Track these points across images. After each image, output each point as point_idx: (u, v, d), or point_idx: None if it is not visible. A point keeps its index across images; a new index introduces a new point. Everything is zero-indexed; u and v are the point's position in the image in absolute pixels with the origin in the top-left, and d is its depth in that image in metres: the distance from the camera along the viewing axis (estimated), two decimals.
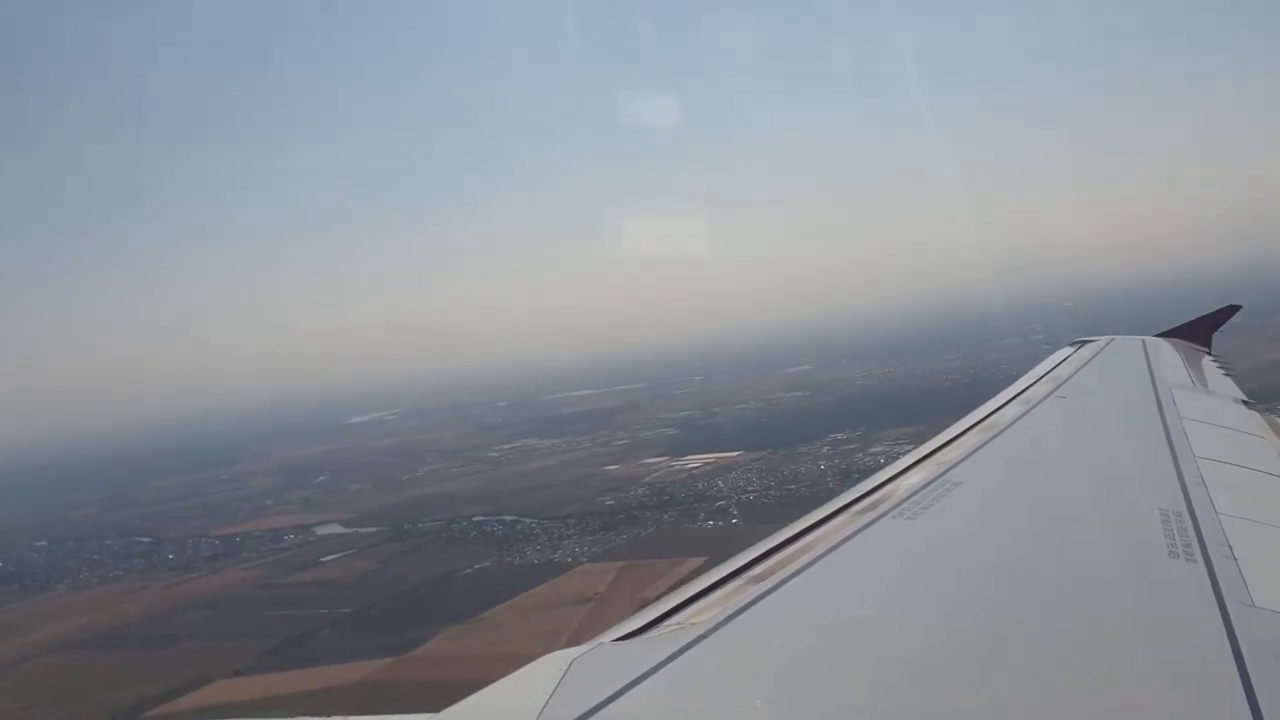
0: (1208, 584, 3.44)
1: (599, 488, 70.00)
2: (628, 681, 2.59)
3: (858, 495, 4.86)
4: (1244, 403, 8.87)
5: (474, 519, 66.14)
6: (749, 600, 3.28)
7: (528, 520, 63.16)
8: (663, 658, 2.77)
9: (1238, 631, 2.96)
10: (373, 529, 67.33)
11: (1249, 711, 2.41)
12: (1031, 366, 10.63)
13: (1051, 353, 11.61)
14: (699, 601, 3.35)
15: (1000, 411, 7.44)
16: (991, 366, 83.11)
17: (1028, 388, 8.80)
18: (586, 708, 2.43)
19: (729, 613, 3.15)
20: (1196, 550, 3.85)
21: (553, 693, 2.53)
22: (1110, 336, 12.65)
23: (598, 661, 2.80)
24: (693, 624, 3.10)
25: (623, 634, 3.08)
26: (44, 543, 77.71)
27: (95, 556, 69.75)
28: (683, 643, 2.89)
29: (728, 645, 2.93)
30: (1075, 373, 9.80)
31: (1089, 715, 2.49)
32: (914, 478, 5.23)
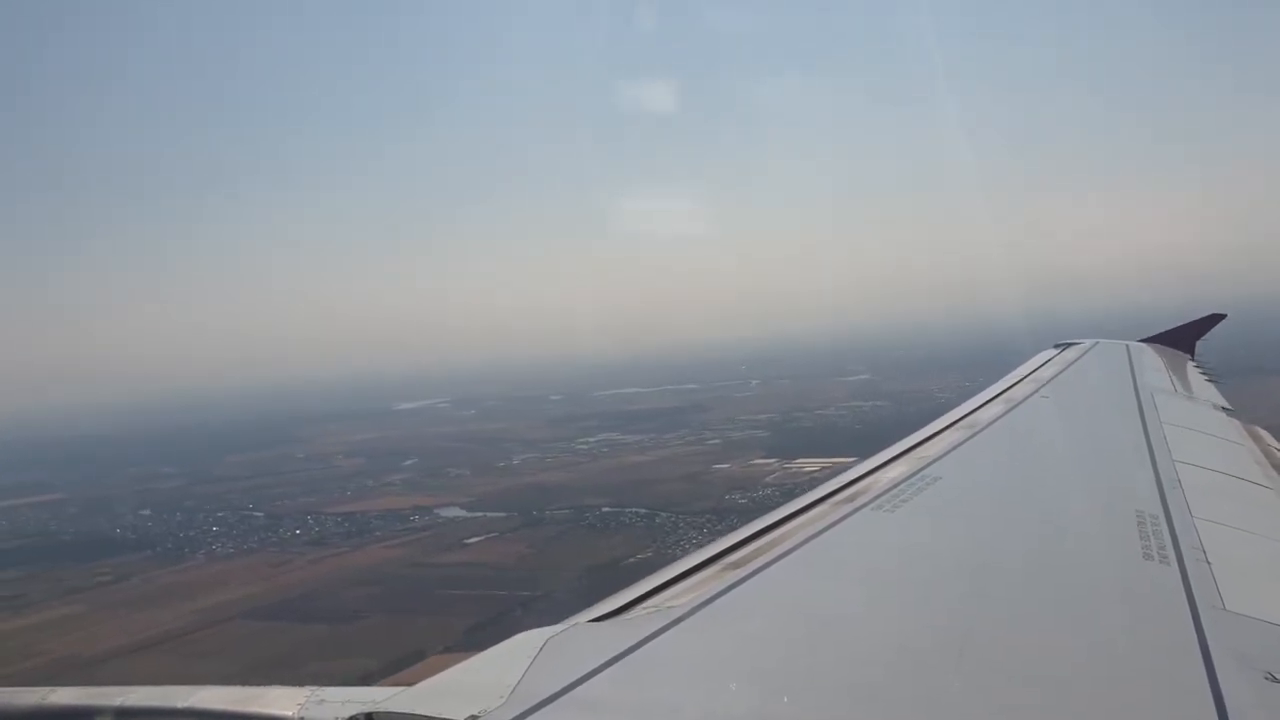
0: (1180, 586, 3.48)
1: (720, 485, 70.50)
2: (601, 662, 2.63)
3: (837, 486, 4.99)
4: (1224, 409, 9.03)
5: (602, 510, 66.53)
6: (726, 586, 3.33)
7: (663, 514, 63.53)
8: (637, 640, 2.81)
9: (1208, 635, 2.99)
10: (500, 514, 67.52)
11: (1216, 716, 2.43)
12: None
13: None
14: (676, 586, 3.42)
15: (982, 409, 7.61)
16: None
17: (1011, 387, 8.95)
18: (559, 687, 2.48)
19: (706, 597, 3.19)
20: (1170, 552, 3.89)
21: (526, 671, 2.57)
22: (1095, 339, 12.71)
23: (572, 641, 2.84)
24: (669, 607, 3.14)
25: (598, 615, 3.13)
26: (148, 512, 77.55)
27: (214, 529, 69.69)
28: (658, 625, 2.94)
29: (703, 629, 2.96)
30: (1058, 374, 9.99)
31: (1057, 714, 2.51)
32: (894, 471, 5.31)
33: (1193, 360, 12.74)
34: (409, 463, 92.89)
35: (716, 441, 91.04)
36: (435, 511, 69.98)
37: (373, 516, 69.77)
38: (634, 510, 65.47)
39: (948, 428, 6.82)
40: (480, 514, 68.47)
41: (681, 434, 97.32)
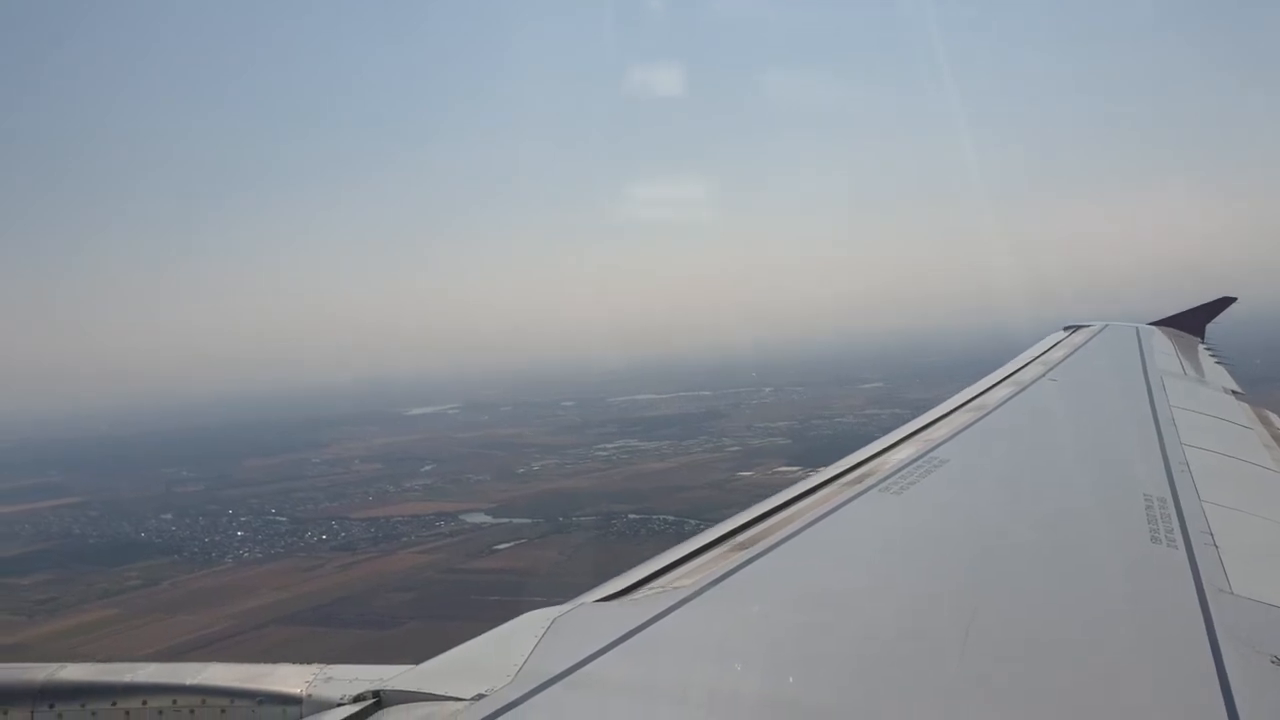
0: (1187, 570, 3.47)
1: (747, 493, 70.36)
2: (608, 642, 2.63)
3: (845, 468, 4.95)
4: (1233, 393, 8.97)
5: (629, 516, 66.47)
6: (733, 566, 3.33)
7: (692, 521, 63.29)
8: (644, 620, 2.80)
9: (1214, 618, 2.97)
10: (526, 520, 67.47)
11: (1222, 699, 2.41)
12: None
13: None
14: (682, 566, 3.43)
15: (991, 392, 7.58)
16: None
17: (1019, 369, 8.86)
18: (565, 666, 2.47)
19: (713, 578, 3.19)
20: (1178, 536, 3.88)
21: (532, 650, 2.58)
22: (1104, 322, 12.59)
23: (578, 621, 2.85)
24: (676, 588, 3.14)
25: (605, 595, 3.14)
26: (169, 516, 77.51)
27: (239, 533, 69.64)
28: (664, 606, 2.93)
29: (710, 610, 2.96)
30: (1067, 356, 9.88)
31: (1062, 696, 2.50)
32: (901, 453, 5.30)
33: (1203, 343, 12.65)
34: (427, 468, 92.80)
35: (737, 448, 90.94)
36: (460, 517, 69.85)
37: (398, 521, 69.72)
38: (662, 517, 65.29)
39: (956, 410, 6.76)
40: (506, 520, 68.38)
41: (701, 440, 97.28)
